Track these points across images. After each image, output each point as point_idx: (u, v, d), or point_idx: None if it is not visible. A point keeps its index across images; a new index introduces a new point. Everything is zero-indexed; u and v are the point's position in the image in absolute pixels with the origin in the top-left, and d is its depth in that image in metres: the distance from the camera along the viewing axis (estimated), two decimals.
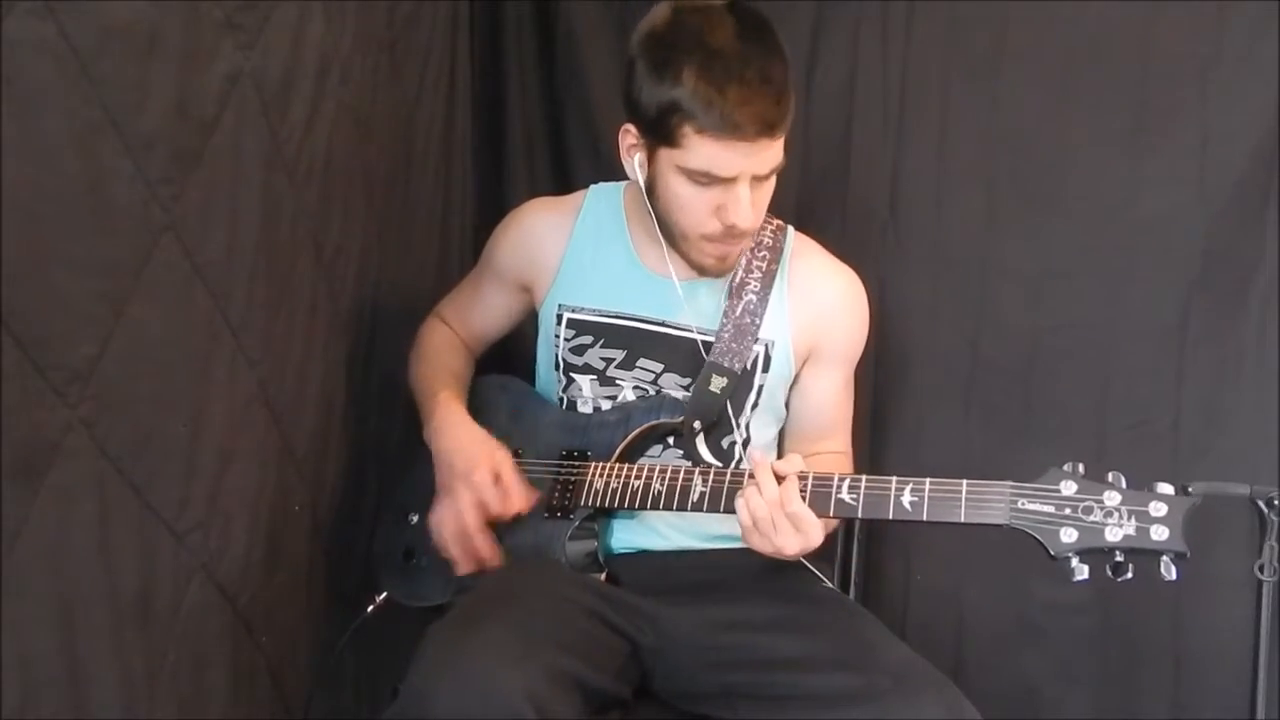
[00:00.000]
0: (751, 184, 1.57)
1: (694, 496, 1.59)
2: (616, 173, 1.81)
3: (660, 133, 1.57)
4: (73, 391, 1.16)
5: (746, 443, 1.75)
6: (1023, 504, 1.41)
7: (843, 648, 1.55)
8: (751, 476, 1.52)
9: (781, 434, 1.84)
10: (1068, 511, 1.40)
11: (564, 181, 2.32)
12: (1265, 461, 2.00)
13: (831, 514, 1.50)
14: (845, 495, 1.49)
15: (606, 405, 1.75)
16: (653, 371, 1.73)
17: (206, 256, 1.37)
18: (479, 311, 1.92)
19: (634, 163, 1.64)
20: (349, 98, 1.74)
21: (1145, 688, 2.12)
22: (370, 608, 1.78)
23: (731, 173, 1.55)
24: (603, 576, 1.68)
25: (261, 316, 1.53)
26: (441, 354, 1.89)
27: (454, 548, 1.65)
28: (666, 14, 1.59)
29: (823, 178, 2.24)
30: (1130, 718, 2.13)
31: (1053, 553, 1.39)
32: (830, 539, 1.89)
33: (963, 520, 1.44)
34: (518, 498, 1.64)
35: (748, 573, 1.67)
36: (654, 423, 1.70)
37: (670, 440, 1.73)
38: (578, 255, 1.79)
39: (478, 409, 1.79)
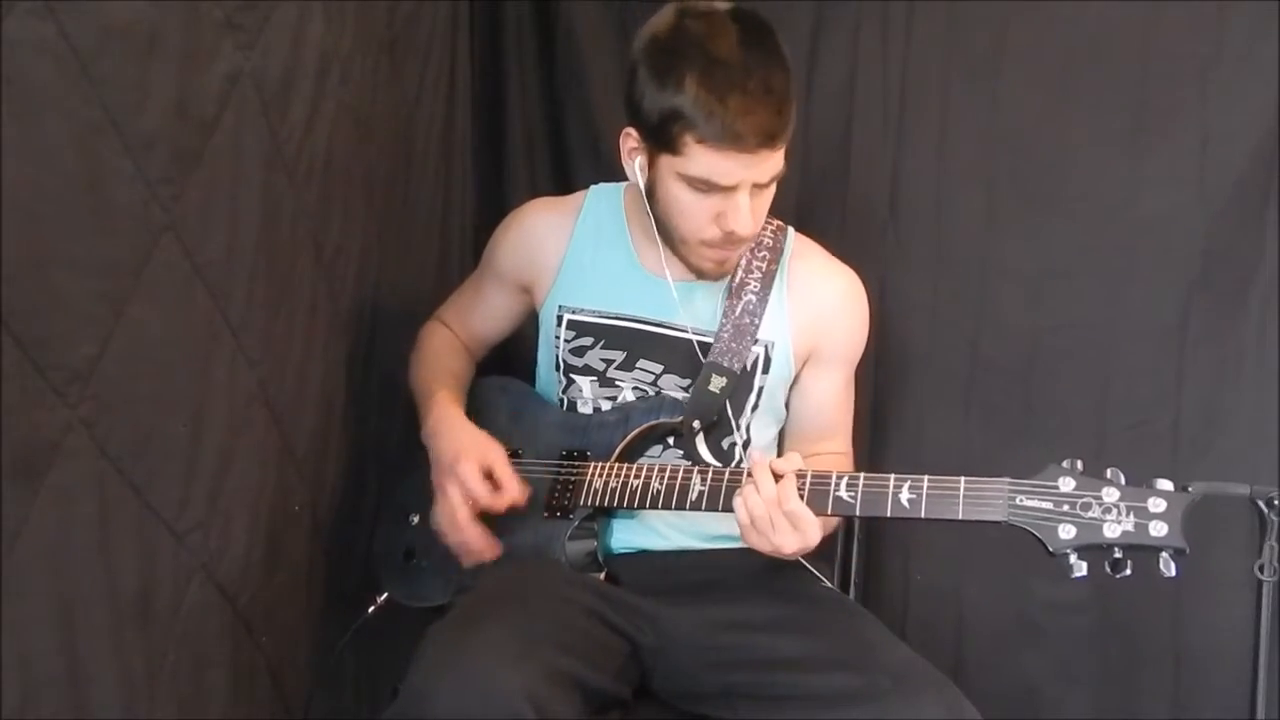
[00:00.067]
0: (752, 191, 1.57)
1: (693, 496, 1.59)
2: (617, 173, 1.81)
3: (661, 139, 1.57)
4: (73, 391, 1.16)
5: (747, 444, 1.75)
6: (1021, 501, 1.41)
7: (843, 648, 1.55)
8: (749, 475, 1.52)
9: (782, 435, 1.84)
10: (1066, 508, 1.39)
11: (564, 182, 2.32)
12: (1265, 461, 2.00)
13: (830, 511, 1.50)
14: (843, 493, 1.49)
15: (606, 406, 1.75)
16: (652, 372, 1.73)
17: (206, 256, 1.37)
18: (480, 313, 1.92)
19: (635, 166, 1.64)
20: (349, 98, 1.75)
21: (1145, 687, 2.12)
22: (371, 608, 1.78)
23: (732, 182, 1.55)
24: (602, 576, 1.68)
25: (261, 316, 1.53)
26: (441, 355, 1.89)
27: (450, 541, 1.65)
28: (669, 19, 1.59)
29: (823, 178, 2.24)
30: (1130, 717, 2.13)
31: (1051, 549, 1.39)
32: (830, 539, 1.89)
33: (961, 517, 1.44)
34: (510, 492, 1.64)
35: (748, 573, 1.67)
36: (653, 423, 1.70)
37: (670, 440, 1.73)
38: (578, 256, 1.79)
39: (478, 410, 1.79)
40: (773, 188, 1.62)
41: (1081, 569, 1.38)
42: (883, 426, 2.20)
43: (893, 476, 1.48)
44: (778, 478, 1.50)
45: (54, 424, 1.15)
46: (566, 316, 1.77)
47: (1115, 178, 2.11)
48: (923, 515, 1.45)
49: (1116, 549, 1.37)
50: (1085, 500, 1.39)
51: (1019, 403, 2.16)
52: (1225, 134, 2.05)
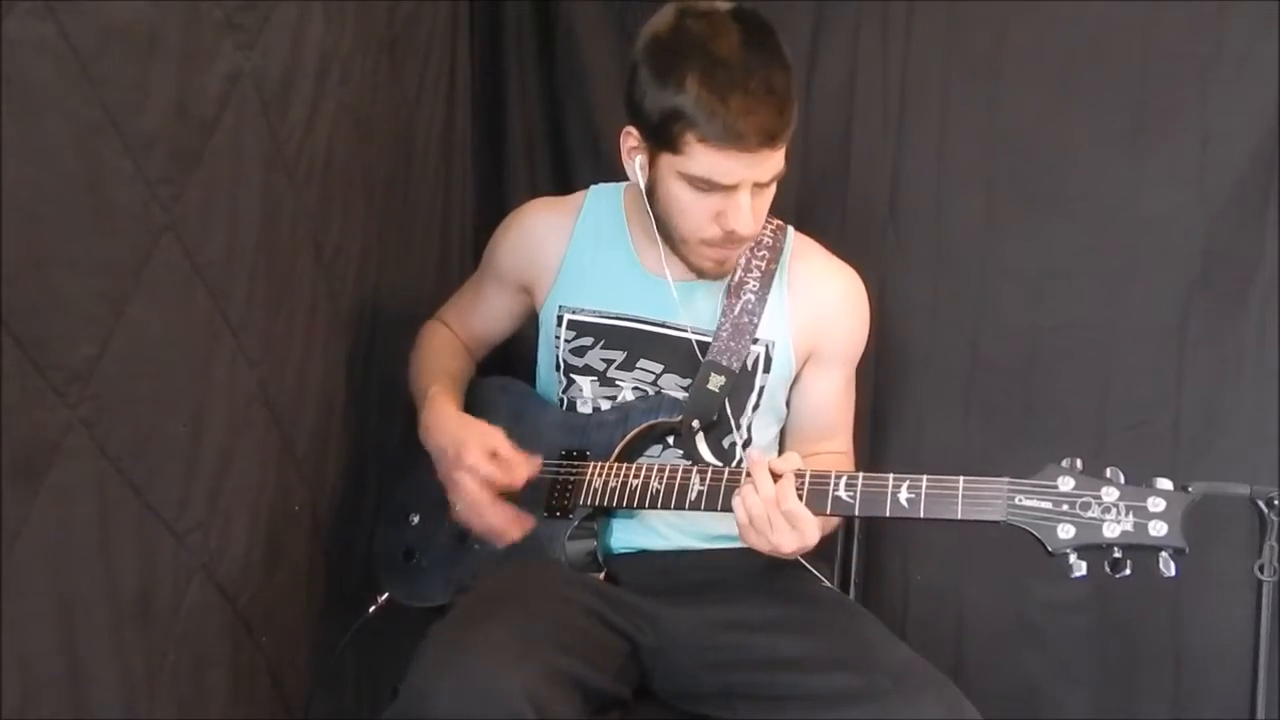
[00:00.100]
0: (752, 191, 1.58)
1: (692, 495, 1.59)
2: (617, 173, 1.81)
3: (662, 138, 1.57)
4: (73, 391, 1.16)
5: (747, 443, 1.75)
6: (1020, 500, 1.41)
7: (843, 648, 1.55)
8: (748, 475, 1.52)
9: (783, 434, 1.84)
10: (1065, 508, 1.39)
11: (564, 182, 2.32)
12: (1265, 461, 2.00)
13: (829, 511, 1.50)
14: (842, 493, 1.49)
15: (606, 406, 1.75)
16: (653, 372, 1.74)
17: (206, 256, 1.37)
18: (480, 313, 1.93)
19: (635, 165, 1.64)
20: (349, 98, 1.75)
21: (1145, 687, 2.12)
22: (372, 608, 1.79)
23: (732, 181, 1.55)
24: (602, 576, 1.68)
25: (261, 316, 1.53)
26: (439, 355, 1.89)
27: (481, 530, 1.64)
28: (670, 19, 1.59)
29: (823, 178, 2.24)
30: (1130, 718, 2.13)
31: (1050, 549, 1.39)
32: (830, 538, 1.89)
33: (960, 517, 1.43)
34: (519, 466, 1.63)
35: (747, 573, 1.67)
36: (652, 422, 1.70)
37: (670, 440, 1.73)
38: (578, 256, 1.79)
39: (478, 410, 1.78)
40: (773, 187, 1.62)
41: (1081, 569, 1.38)
42: (883, 426, 2.20)
43: (891, 476, 1.48)
44: (776, 477, 1.50)
45: (54, 424, 1.15)
46: (567, 316, 1.77)
47: (1115, 178, 2.11)
48: (921, 515, 1.45)
49: (1116, 549, 1.37)
50: (1084, 500, 1.39)
51: (1019, 403, 2.16)
52: (1225, 134, 2.05)
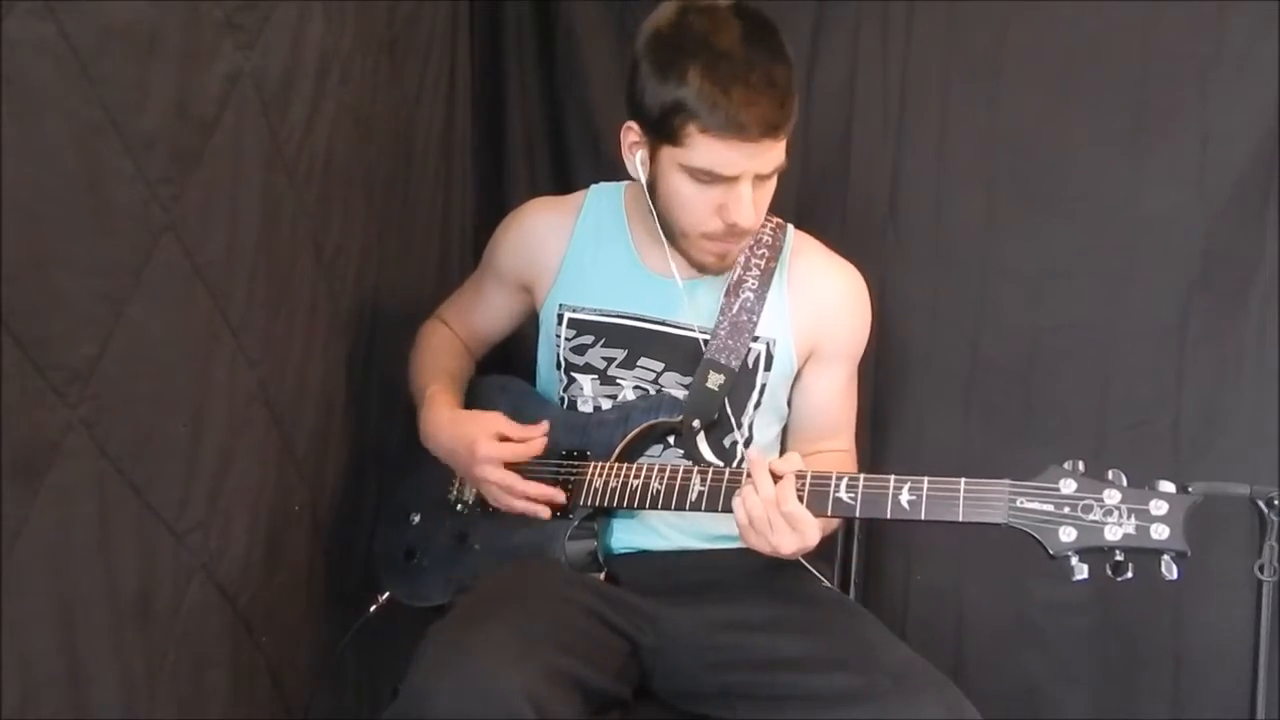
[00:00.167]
0: (754, 183, 1.58)
1: (692, 496, 1.59)
2: (617, 173, 1.81)
3: (663, 131, 1.57)
4: (73, 391, 1.16)
5: (748, 442, 1.75)
6: (1021, 503, 1.41)
7: (843, 648, 1.55)
8: (748, 475, 1.52)
9: (784, 433, 1.84)
10: (1067, 510, 1.39)
11: (564, 181, 2.32)
12: (1265, 461, 2.00)
13: (829, 513, 1.50)
14: (843, 494, 1.49)
15: (607, 405, 1.75)
16: (653, 371, 1.73)
17: (206, 256, 1.37)
18: (480, 312, 1.93)
19: (636, 161, 1.64)
20: (349, 98, 1.74)
21: (1145, 688, 2.12)
22: (373, 607, 1.79)
23: (734, 172, 1.55)
24: (602, 576, 1.68)
25: (261, 316, 1.53)
26: (438, 354, 1.89)
27: (523, 509, 1.66)
28: (671, 15, 1.59)
29: (823, 178, 2.24)
30: (1130, 718, 2.13)
31: (1052, 552, 1.38)
32: (830, 539, 1.89)
33: (961, 519, 1.43)
34: (533, 436, 1.66)
35: (747, 573, 1.67)
36: (653, 422, 1.70)
37: (671, 440, 1.73)
38: (578, 255, 1.79)
39: (478, 410, 1.79)
40: (774, 181, 1.62)
41: (1082, 572, 1.37)
42: (883, 426, 2.20)
43: (893, 478, 1.47)
44: (776, 478, 1.50)
45: (54, 424, 1.15)
46: (567, 315, 1.77)
47: (1115, 178, 2.10)
48: (923, 517, 1.45)
49: (1118, 551, 1.36)
50: (1086, 502, 1.38)
51: (1019, 403, 2.16)
52: (1225, 134, 2.05)
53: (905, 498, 1.46)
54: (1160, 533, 1.35)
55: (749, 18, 1.57)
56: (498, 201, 2.32)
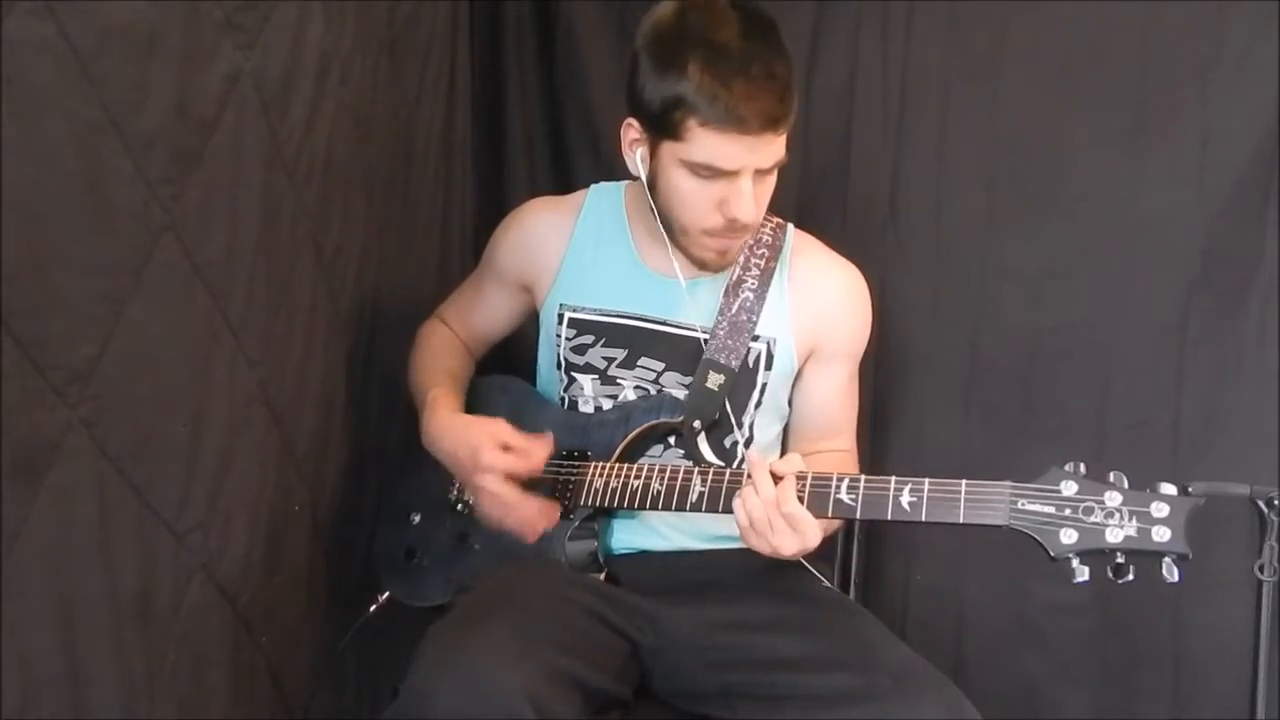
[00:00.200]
0: (754, 178, 1.58)
1: (693, 496, 1.59)
2: (617, 172, 1.81)
3: (664, 126, 1.57)
4: (73, 391, 1.16)
5: (749, 442, 1.75)
6: (1022, 504, 1.41)
7: (843, 648, 1.55)
8: (749, 476, 1.52)
9: (786, 433, 1.83)
10: (1068, 512, 1.38)
11: (564, 181, 2.32)
12: (1265, 461, 2.00)
13: (830, 514, 1.49)
14: (844, 496, 1.49)
15: (608, 404, 1.75)
16: (654, 370, 1.73)
17: (206, 256, 1.37)
18: (480, 312, 1.92)
19: (636, 157, 1.64)
20: (349, 98, 1.74)
21: (1145, 688, 2.12)
22: (373, 607, 1.78)
23: (734, 166, 1.55)
24: (602, 577, 1.68)
25: (261, 316, 1.53)
26: (439, 354, 1.89)
27: (513, 525, 1.64)
28: (671, 11, 1.60)
29: (823, 178, 2.24)
30: (1130, 718, 2.13)
31: (1053, 554, 1.38)
32: (831, 539, 1.89)
33: (961, 521, 1.43)
34: (535, 450, 1.63)
35: (748, 573, 1.67)
36: (654, 422, 1.70)
37: (671, 440, 1.73)
38: (579, 255, 1.79)
39: (479, 410, 1.79)
40: (774, 177, 1.62)
41: (1083, 574, 1.37)
42: (883, 427, 2.20)
43: (893, 479, 1.47)
44: (777, 479, 1.50)
45: (54, 424, 1.15)
46: (568, 315, 1.77)
47: (1115, 178, 2.11)
48: (923, 519, 1.44)
49: (1119, 554, 1.36)
50: (1087, 504, 1.38)
51: (1019, 403, 2.16)
52: (1225, 134, 2.05)
53: (906, 499, 1.46)
54: (1161, 535, 1.35)
55: (748, 13, 1.57)
56: (498, 201, 2.31)
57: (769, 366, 1.73)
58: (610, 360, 1.75)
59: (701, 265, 1.69)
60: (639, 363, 1.74)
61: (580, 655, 1.48)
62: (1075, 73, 2.11)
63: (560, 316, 1.77)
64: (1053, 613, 2.13)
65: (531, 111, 2.39)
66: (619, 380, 1.75)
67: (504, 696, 1.34)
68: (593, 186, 1.86)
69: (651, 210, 1.67)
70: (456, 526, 1.76)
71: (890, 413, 2.20)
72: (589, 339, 1.76)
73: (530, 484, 1.66)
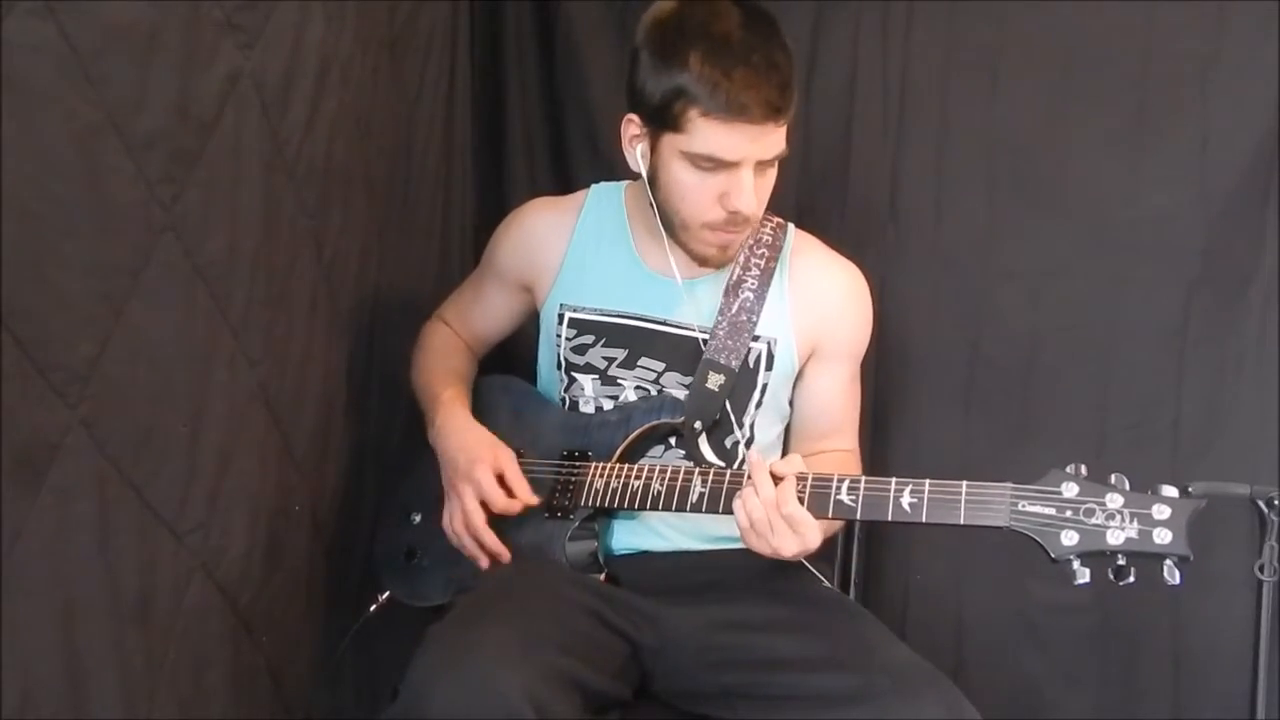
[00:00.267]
0: (755, 170, 1.58)
1: (693, 497, 1.59)
2: (617, 173, 1.81)
3: (664, 119, 1.57)
4: (73, 391, 1.16)
5: (750, 442, 1.75)
6: (1023, 506, 1.41)
7: (842, 648, 1.55)
8: (749, 477, 1.52)
9: (787, 433, 1.83)
10: (1069, 514, 1.38)
11: (564, 181, 2.32)
12: (1265, 461, 2.00)
13: (830, 515, 1.49)
14: (844, 496, 1.49)
15: (608, 405, 1.75)
16: (654, 370, 1.73)
17: (206, 256, 1.37)
18: (480, 312, 1.92)
19: (636, 153, 1.65)
20: (349, 98, 1.74)
21: (1145, 688, 2.12)
22: (374, 607, 1.78)
23: (736, 157, 1.56)
24: (602, 577, 1.68)
25: (261, 316, 1.53)
26: (444, 355, 1.89)
27: (463, 545, 1.66)
28: (671, 6, 1.60)
29: (823, 178, 2.23)
30: (1130, 718, 2.13)
31: (1053, 556, 1.38)
32: (831, 540, 1.89)
33: (962, 522, 1.43)
34: (521, 495, 1.65)
35: (748, 573, 1.67)
36: (654, 423, 1.69)
37: (672, 441, 1.73)
38: (579, 255, 1.79)
39: (479, 410, 1.79)
40: (774, 171, 1.63)
41: (1084, 575, 1.37)
42: (883, 427, 2.19)
43: (894, 480, 1.47)
44: (777, 480, 1.50)
45: (54, 424, 1.15)
46: (568, 315, 1.77)
47: (1115, 178, 2.11)
48: (924, 520, 1.44)
49: (1120, 556, 1.36)
50: (1088, 506, 1.38)
51: (1019, 403, 2.16)
52: (1225, 134, 2.05)
53: (907, 500, 1.46)
54: (1163, 537, 1.35)
55: (747, 7, 1.58)
56: (498, 201, 2.32)
57: (769, 367, 1.73)
58: (610, 360, 1.75)
59: (703, 261, 1.68)
60: (639, 363, 1.74)
61: (580, 655, 1.47)
62: (1075, 73, 2.11)
63: (560, 316, 1.77)
64: (1053, 613, 2.13)
65: (531, 111, 2.39)
66: (619, 380, 1.75)
67: (504, 696, 1.34)
68: (593, 186, 1.86)
69: (651, 206, 1.66)
70: None
71: (890, 413, 2.20)
72: (589, 339, 1.76)
73: (531, 482, 1.66)
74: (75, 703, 1.21)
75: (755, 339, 1.72)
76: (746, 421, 1.74)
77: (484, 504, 1.65)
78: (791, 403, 1.80)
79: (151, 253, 1.27)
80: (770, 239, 1.75)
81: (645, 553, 1.72)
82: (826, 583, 1.76)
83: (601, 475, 1.66)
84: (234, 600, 1.52)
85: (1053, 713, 2.15)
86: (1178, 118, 2.07)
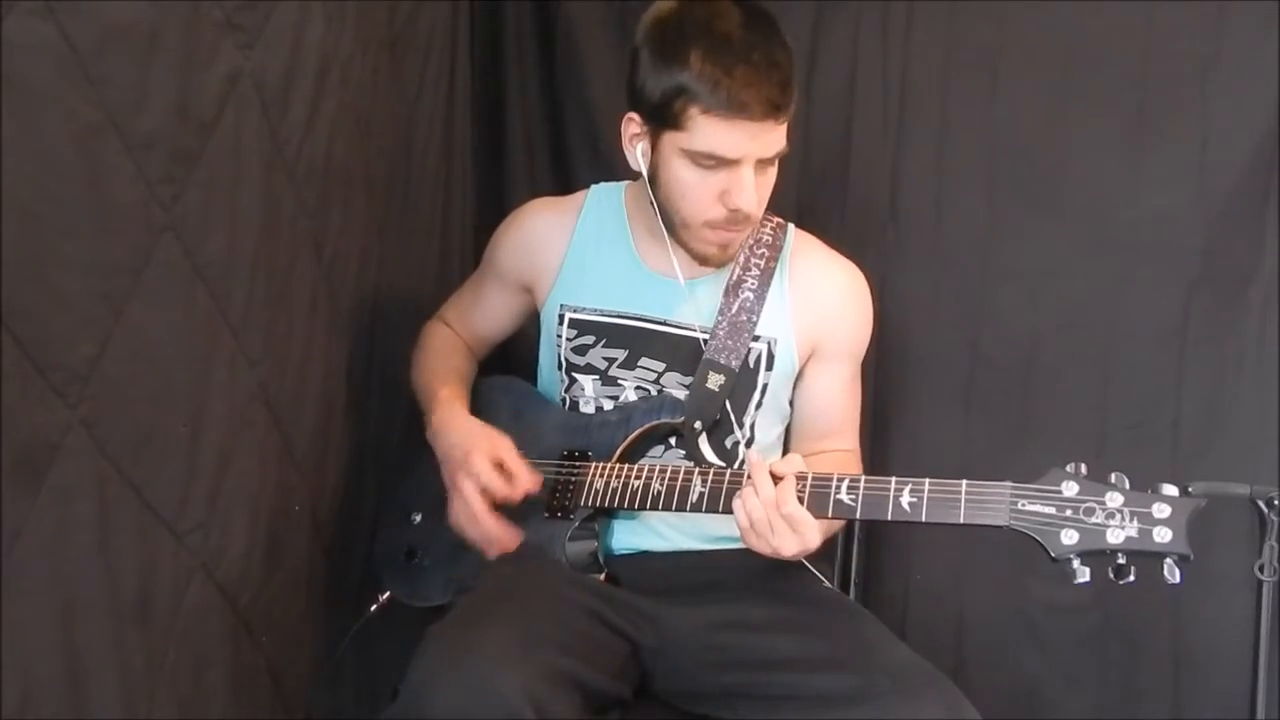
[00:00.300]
0: (756, 168, 1.58)
1: (693, 497, 1.59)
2: (617, 173, 1.81)
3: (665, 117, 1.57)
4: (73, 391, 1.16)
5: (750, 442, 1.75)
6: (1023, 505, 1.41)
7: (842, 648, 1.55)
8: (749, 477, 1.52)
9: (788, 433, 1.83)
10: (1069, 513, 1.38)
11: (564, 181, 2.32)
12: (1265, 461, 2.00)
13: (830, 515, 1.49)
14: (844, 496, 1.49)
15: (609, 405, 1.75)
16: (654, 371, 1.73)
17: (206, 256, 1.37)
18: (481, 313, 1.92)
19: (636, 152, 1.65)
20: (349, 98, 1.74)
21: (1145, 688, 2.12)
22: (374, 607, 1.78)
23: (737, 154, 1.56)
24: (603, 577, 1.68)
25: (261, 316, 1.53)
26: (443, 354, 1.89)
27: (473, 536, 1.65)
28: (672, 5, 1.61)
29: (823, 178, 2.23)
30: (1130, 718, 2.13)
31: (1053, 555, 1.38)
32: (831, 540, 1.89)
33: (962, 521, 1.43)
34: (523, 480, 1.64)
35: (748, 573, 1.67)
36: (654, 423, 1.69)
37: (672, 441, 1.73)
38: (579, 255, 1.79)
39: (480, 410, 1.79)
40: (775, 169, 1.63)
41: (1084, 575, 1.37)
42: (883, 427, 2.19)
43: (894, 480, 1.47)
44: (777, 480, 1.50)
45: (54, 424, 1.15)
46: (568, 315, 1.77)
47: (1115, 178, 2.11)
48: (924, 519, 1.44)
49: (1120, 555, 1.36)
50: (1088, 505, 1.38)
51: (1019, 403, 2.16)
52: (1225, 134, 2.05)
53: (906, 499, 1.46)
54: (1163, 536, 1.35)
55: (748, 5, 1.59)
56: (498, 201, 2.32)
57: (770, 367, 1.73)
58: (611, 361, 1.75)
59: (703, 260, 1.68)
60: (639, 363, 1.74)
61: (580, 655, 1.47)
62: (1075, 73, 2.11)
63: (561, 317, 1.77)
64: (1053, 613, 2.13)
65: (531, 111, 2.39)
66: (620, 381, 1.75)
67: (504, 696, 1.34)
68: (593, 187, 1.86)
69: (652, 205, 1.66)
70: None
71: (890, 413, 2.20)
72: (589, 339, 1.76)
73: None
74: (75, 703, 1.21)
75: (755, 339, 1.72)
76: (747, 421, 1.74)
77: (487, 496, 1.64)
78: (792, 403, 1.80)
79: (151, 253, 1.27)
80: (770, 239, 1.75)
81: (645, 553, 1.72)
82: (826, 583, 1.76)
83: (601, 475, 1.66)
84: (234, 600, 1.52)
85: (1053, 713, 2.15)
86: (1178, 118, 2.07)
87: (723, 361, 1.70)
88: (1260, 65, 2.02)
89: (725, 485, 1.57)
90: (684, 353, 1.72)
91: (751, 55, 1.53)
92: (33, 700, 1.14)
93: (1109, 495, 1.38)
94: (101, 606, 1.25)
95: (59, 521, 1.17)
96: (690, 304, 1.72)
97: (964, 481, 1.44)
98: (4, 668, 1.10)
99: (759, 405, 1.74)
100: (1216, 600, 2.04)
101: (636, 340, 1.74)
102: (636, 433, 1.69)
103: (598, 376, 1.75)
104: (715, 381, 1.70)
